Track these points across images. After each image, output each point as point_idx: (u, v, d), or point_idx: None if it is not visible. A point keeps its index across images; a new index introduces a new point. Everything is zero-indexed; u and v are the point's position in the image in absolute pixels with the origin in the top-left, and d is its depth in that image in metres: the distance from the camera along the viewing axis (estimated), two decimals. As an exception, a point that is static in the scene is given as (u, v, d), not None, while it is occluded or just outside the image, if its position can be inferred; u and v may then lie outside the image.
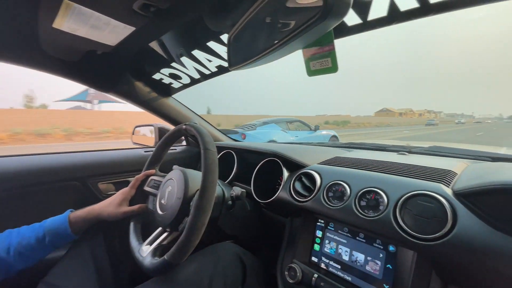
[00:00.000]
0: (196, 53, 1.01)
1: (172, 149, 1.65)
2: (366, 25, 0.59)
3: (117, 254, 1.08)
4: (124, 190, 1.01)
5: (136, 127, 1.92)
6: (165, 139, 1.07)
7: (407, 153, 1.13)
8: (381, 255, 0.76)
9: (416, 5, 0.50)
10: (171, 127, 1.60)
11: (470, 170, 0.81)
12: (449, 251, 0.60)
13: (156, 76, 1.31)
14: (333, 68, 0.60)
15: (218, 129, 1.69)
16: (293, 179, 1.01)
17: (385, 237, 0.74)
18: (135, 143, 1.86)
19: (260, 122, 7.45)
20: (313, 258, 0.91)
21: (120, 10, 0.66)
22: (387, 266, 0.74)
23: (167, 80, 1.33)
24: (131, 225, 0.98)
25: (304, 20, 0.36)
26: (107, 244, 1.07)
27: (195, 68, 1.14)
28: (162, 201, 0.92)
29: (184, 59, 1.10)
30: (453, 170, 0.81)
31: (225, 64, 1.04)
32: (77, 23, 0.72)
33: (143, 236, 0.94)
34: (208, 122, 1.67)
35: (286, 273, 0.90)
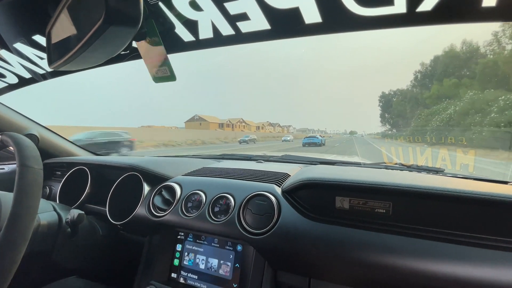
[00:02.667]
0: (22, 48, 0.82)
1: (-3, 169, 1.25)
2: (199, 44, 0.65)
3: None
4: None
5: None
6: None
7: (263, 161, 1.30)
8: (231, 256, 0.81)
9: (232, 32, 0.59)
10: None
11: (299, 172, 1.00)
12: (274, 241, 0.71)
13: (-39, 71, 0.96)
14: (172, 77, 0.62)
15: (70, 142, 1.41)
16: (153, 194, 0.96)
17: (233, 238, 0.81)
18: None
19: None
20: (173, 274, 0.88)
21: None
22: (236, 265, 0.80)
23: (-19, 77, 1.00)
24: None
25: (95, 21, 0.36)
26: None
27: (23, 65, 0.91)
28: None
29: (4, 54, 0.86)
30: (288, 173, 0.98)
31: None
32: None
33: None
34: (56, 134, 1.37)
35: None
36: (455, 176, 0.85)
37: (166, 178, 1.02)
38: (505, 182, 0.80)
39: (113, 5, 0.34)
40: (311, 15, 0.51)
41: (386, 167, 1.03)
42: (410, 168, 0.99)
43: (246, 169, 1.06)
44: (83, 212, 0.80)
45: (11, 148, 0.71)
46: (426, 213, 0.66)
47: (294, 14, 0.51)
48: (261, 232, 0.73)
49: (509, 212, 0.60)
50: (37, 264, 0.81)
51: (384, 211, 0.68)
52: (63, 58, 0.50)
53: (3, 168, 1.28)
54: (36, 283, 0.79)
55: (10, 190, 0.76)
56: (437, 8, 0.43)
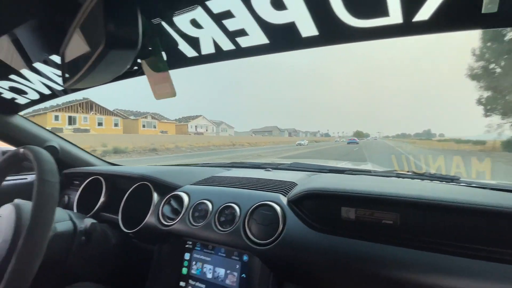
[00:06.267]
0: (40, 66, 0.88)
1: (21, 179, 1.33)
2: (201, 59, 0.67)
3: None
4: None
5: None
6: None
7: (272, 169, 1.29)
8: (237, 266, 0.81)
9: (233, 47, 0.61)
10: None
11: (305, 181, 0.99)
12: (279, 252, 0.71)
13: (-9, 90, 1.05)
14: (172, 93, 0.64)
15: (87, 152, 1.48)
16: (162, 203, 0.98)
17: (239, 248, 0.81)
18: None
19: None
20: (181, 283, 0.89)
21: None
22: (242, 275, 0.80)
23: (8, 95, 1.08)
24: None
25: (97, 46, 0.38)
26: None
27: (42, 83, 0.98)
28: None
29: (26, 72, 0.93)
30: (295, 182, 0.97)
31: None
32: None
33: None
34: (74, 144, 1.44)
35: None
36: (469, 185, 0.81)
37: (175, 187, 1.04)
38: None
39: (113, 31, 0.37)
40: (308, 28, 0.51)
41: (398, 175, 1.00)
42: (422, 176, 0.96)
43: (253, 177, 1.07)
44: (95, 222, 0.84)
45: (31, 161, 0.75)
46: (436, 225, 0.63)
47: (291, 28, 0.52)
48: (266, 243, 0.73)
49: None
50: (53, 271, 0.85)
51: (391, 222, 0.66)
52: (74, 78, 0.54)
53: (26, 178, 1.36)
54: None
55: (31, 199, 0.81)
56: (433, 17, 0.42)
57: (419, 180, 0.92)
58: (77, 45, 0.49)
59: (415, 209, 0.64)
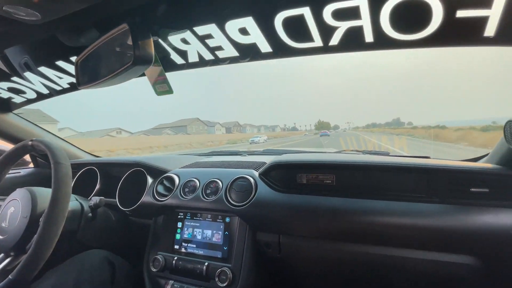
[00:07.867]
0: (43, 69, 1.02)
1: (15, 173, 1.43)
2: (189, 65, 0.88)
3: None
4: None
5: (-49, 150, 1.51)
6: (4, 158, 0.98)
7: (247, 155, 1.54)
8: (221, 227, 1.04)
9: (212, 57, 0.83)
10: (9, 146, 1.39)
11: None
12: (253, 209, 0.95)
13: (-11, 90, 1.15)
14: (170, 91, 0.85)
15: (75, 146, 1.61)
16: (156, 184, 1.18)
17: (222, 212, 1.04)
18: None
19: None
20: (175, 246, 1.10)
21: None
22: (225, 233, 1.03)
23: (5, 95, 1.19)
24: None
25: (125, 63, 0.57)
26: None
27: (42, 83, 1.11)
28: (3, 224, 0.85)
29: (29, 74, 1.06)
30: (266, 162, 1.22)
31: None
32: None
33: None
34: (63, 139, 1.56)
35: (151, 264, 1.04)
36: (389, 155, 1.12)
37: (165, 171, 1.24)
38: (427, 157, 1.07)
39: (138, 54, 0.56)
40: (265, 47, 0.75)
41: (344, 152, 1.29)
42: (362, 152, 1.25)
43: (231, 160, 1.30)
44: (103, 197, 1.02)
45: (40, 150, 0.91)
46: (360, 181, 0.91)
47: (254, 46, 0.75)
48: (243, 204, 0.97)
49: (420, 175, 0.84)
50: (67, 242, 1.01)
51: (330, 181, 0.93)
52: (93, 82, 0.72)
53: (19, 172, 1.46)
54: (65, 257, 0.99)
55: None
56: (341, 41, 0.68)
57: (358, 154, 1.21)
58: (103, 59, 0.67)
59: (343, 171, 0.92)
